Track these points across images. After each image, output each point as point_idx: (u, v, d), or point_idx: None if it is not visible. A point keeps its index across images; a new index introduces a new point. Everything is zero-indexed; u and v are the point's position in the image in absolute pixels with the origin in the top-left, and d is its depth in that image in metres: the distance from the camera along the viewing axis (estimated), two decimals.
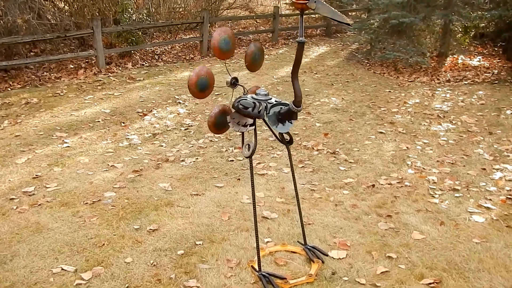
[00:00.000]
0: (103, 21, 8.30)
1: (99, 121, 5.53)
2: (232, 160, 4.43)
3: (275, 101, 2.43)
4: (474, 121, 5.60)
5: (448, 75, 8.17)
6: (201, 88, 2.41)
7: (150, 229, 3.07)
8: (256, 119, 2.47)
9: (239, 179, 3.98)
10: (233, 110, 2.53)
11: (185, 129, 5.37)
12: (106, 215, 3.29)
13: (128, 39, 8.69)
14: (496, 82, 7.46)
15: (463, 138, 5.03)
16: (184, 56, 9.66)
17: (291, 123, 2.43)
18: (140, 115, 5.82)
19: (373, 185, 3.84)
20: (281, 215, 3.31)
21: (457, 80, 7.80)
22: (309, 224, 3.18)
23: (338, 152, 4.63)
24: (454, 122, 5.60)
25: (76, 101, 6.31)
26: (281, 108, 2.39)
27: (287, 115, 2.33)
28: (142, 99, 6.48)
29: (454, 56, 9.44)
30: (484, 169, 4.21)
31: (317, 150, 4.69)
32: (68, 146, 4.72)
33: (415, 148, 4.76)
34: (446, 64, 8.86)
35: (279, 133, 2.59)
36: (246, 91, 2.64)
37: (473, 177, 4.04)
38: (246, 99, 2.46)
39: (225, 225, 3.16)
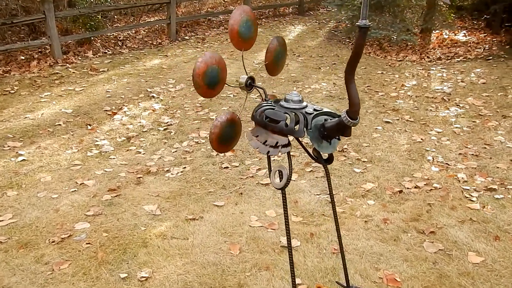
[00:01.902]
0: (56, 4, 7.24)
1: (60, 124, 4.67)
2: (227, 167, 3.75)
3: (314, 109, 1.76)
4: (482, 103, 5.13)
5: (438, 52, 7.71)
6: (211, 82, 1.71)
7: (142, 277, 2.37)
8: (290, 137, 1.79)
9: (241, 193, 3.31)
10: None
11: (164, 129, 4.61)
12: (80, 258, 2.55)
13: (86, 24, 7.69)
14: (490, 58, 7.05)
15: (477, 124, 4.55)
16: (150, 41, 8.73)
17: (338, 139, 1.77)
18: (108, 114, 4.99)
19: (400, 191, 3.27)
20: (304, 242, 2.68)
21: (449, 58, 7.35)
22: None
23: (347, 150, 4.03)
24: (461, 105, 5.11)
25: (30, 100, 5.38)
26: (325, 119, 1.72)
27: (337, 129, 1.67)
28: (109, 94, 5.62)
29: (437, 31, 9.00)
30: None
31: None
32: (24, 160, 3.87)
33: (430, 139, 4.23)
34: (432, 41, 8.40)
35: (314, 148, 1.92)
36: (266, 95, 1.95)
37: (504, 171, 3.55)
38: (273, 108, 1.77)
39: (237, 262, 2.50)
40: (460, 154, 3.89)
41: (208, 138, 1.85)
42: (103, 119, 4.85)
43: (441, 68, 6.78)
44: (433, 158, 3.82)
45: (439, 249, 2.57)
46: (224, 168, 3.75)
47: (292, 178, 3.49)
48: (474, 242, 2.64)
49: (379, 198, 3.21)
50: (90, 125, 4.68)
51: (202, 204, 3.15)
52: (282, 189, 1.80)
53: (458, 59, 7.20)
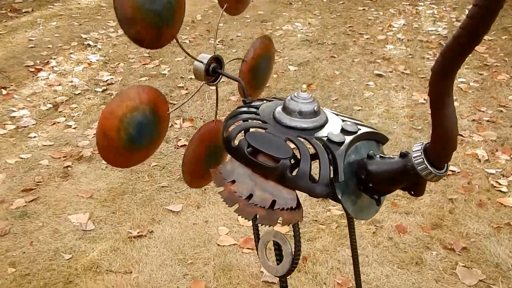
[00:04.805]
0: None
1: None
2: (185, 145, 2.88)
3: (343, 129, 0.90)
4: (486, 50, 4.37)
5: None
6: (136, 136, 0.85)
7: None
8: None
9: (204, 189, 2.48)
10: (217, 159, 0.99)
11: (102, 91, 3.62)
12: None
13: None
14: None
15: (485, 78, 3.81)
16: None
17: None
18: (31, 72, 3.89)
19: None
20: (294, 271, 1.94)
21: None
22: None
23: None
24: None
25: None
26: (369, 155, 0.88)
27: (396, 179, 0.84)
28: (33, 44, 4.44)
29: None
30: None
31: None
32: None
33: None
34: None
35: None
36: (246, 93, 1.07)
37: None
38: (264, 127, 0.91)
39: None
40: (473, 120, 3.17)
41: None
42: (23, 79, 3.76)
43: (430, 4, 5.90)
44: None
45: (479, 280, 1.89)
46: (182, 146, 2.89)
47: None
48: None
49: None
50: (5, 88, 3.59)
51: (151, 210, 2.31)
52: (282, 278, 0.99)
53: None
